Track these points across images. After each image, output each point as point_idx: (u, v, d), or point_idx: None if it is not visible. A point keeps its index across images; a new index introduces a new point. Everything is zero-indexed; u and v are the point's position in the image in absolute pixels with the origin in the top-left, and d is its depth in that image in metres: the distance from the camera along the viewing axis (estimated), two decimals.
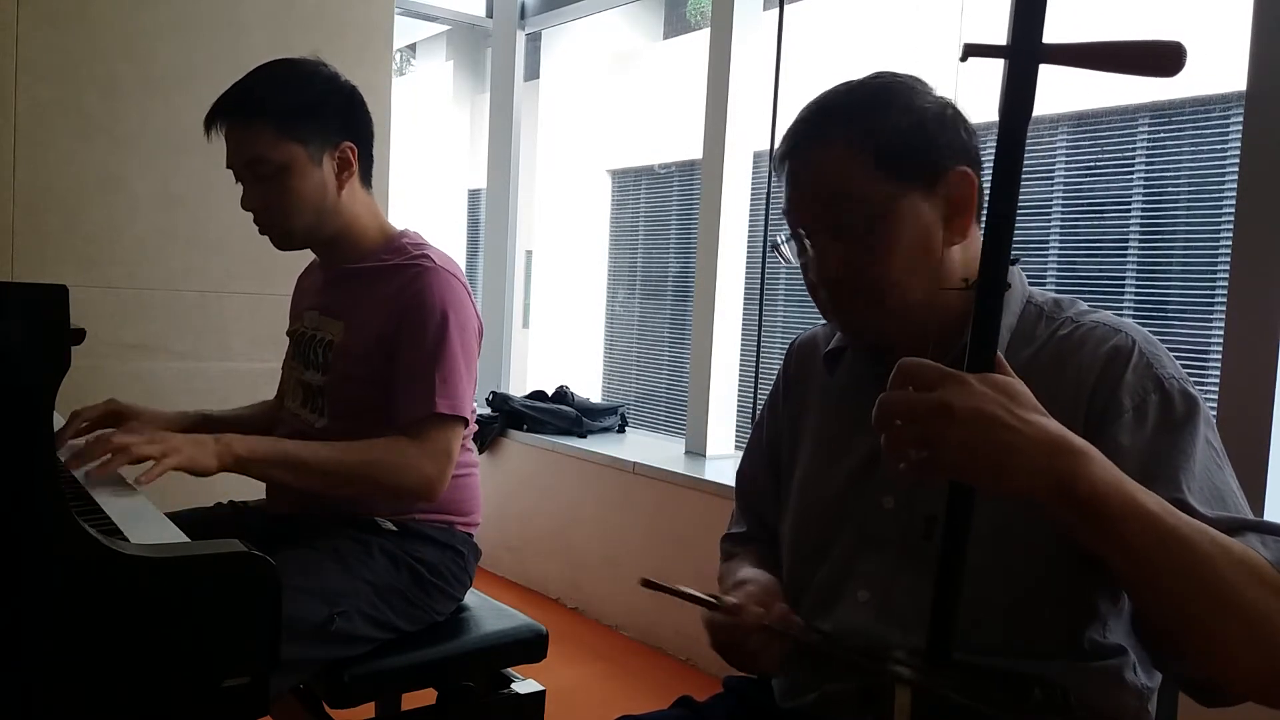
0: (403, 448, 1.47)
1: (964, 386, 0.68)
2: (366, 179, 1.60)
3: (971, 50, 0.69)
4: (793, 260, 0.99)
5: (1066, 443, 0.70)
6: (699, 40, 5.72)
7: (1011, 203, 0.69)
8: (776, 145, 1.00)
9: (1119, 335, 0.89)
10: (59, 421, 1.51)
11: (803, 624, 0.98)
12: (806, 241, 0.95)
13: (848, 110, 0.94)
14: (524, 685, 1.62)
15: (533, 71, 7.28)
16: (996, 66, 0.69)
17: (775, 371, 1.21)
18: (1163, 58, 0.66)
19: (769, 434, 1.19)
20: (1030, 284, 1.00)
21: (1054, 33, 0.68)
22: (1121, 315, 1.00)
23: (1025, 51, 0.67)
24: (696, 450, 3.22)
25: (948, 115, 0.95)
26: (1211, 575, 0.71)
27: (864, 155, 0.91)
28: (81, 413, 1.55)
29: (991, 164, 0.71)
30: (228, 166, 1.53)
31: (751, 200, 3.18)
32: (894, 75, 0.97)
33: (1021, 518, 0.87)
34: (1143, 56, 0.67)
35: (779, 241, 1.00)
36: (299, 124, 1.48)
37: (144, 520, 1.15)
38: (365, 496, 1.53)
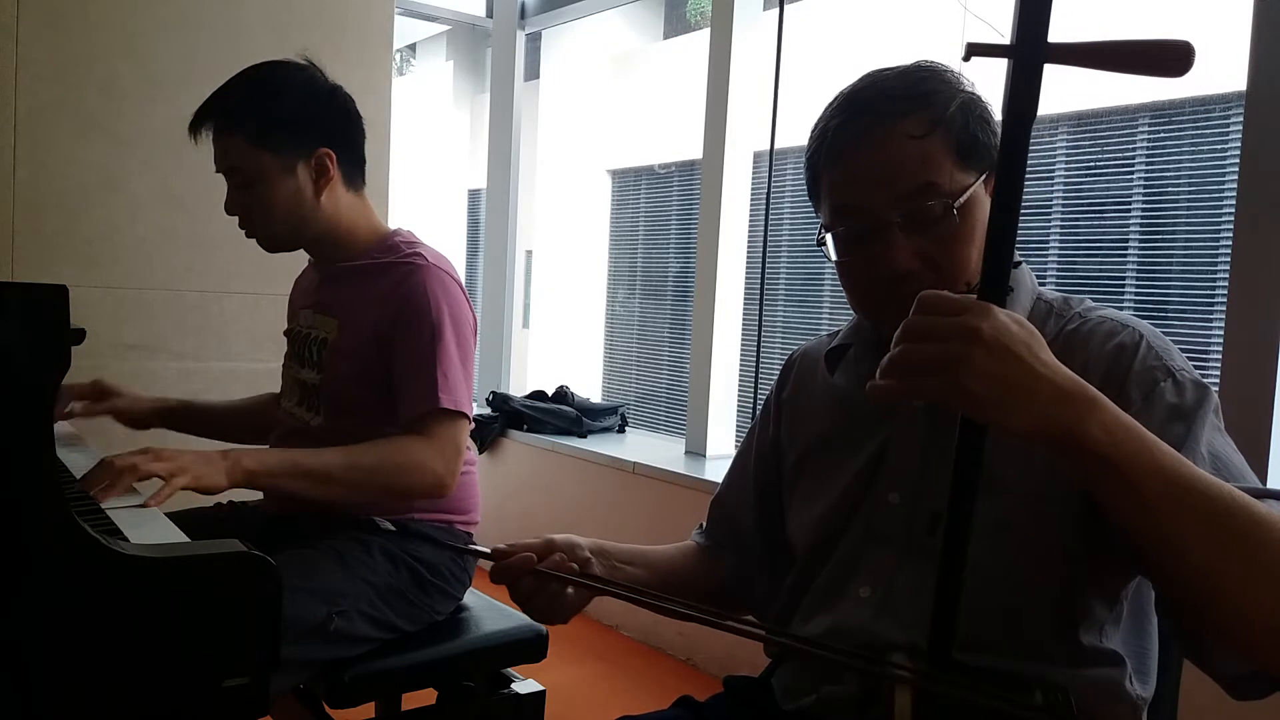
0: (411, 447, 1.46)
1: (992, 315, 0.68)
2: (352, 181, 1.59)
3: (975, 50, 0.68)
4: (836, 257, 0.96)
5: (1081, 390, 0.69)
6: (699, 40, 5.72)
7: (1016, 202, 0.68)
8: (824, 133, 0.95)
9: (1126, 330, 0.89)
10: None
11: (582, 564, 0.97)
12: (867, 235, 0.92)
13: (914, 97, 0.91)
14: (524, 685, 1.62)
15: (533, 71, 7.28)
16: (997, 66, 0.69)
17: (775, 371, 1.21)
18: (1171, 57, 0.65)
19: (760, 445, 1.18)
20: None
21: (1056, 33, 0.67)
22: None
23: (1030, 51, 0.66)
24: (696, 450, 3.22)
25: (984, 108, 0.94)
26: (1236, 532, 0.68)
27: (947, 143, 0.90)
28: (70, 389, 1.63)
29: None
30: (215, 170, 1.54)
31: (751, 200, 3.18)
32: (934, 63, 0.95)
33: (1021, 512, 0.87)
34: (1151, 56, 0.65)
35: (825, 238, 0.97)
36: (271, 136, 1.49)
37: (144, 520, 1.15)
38: (377, 500, 1.53)
